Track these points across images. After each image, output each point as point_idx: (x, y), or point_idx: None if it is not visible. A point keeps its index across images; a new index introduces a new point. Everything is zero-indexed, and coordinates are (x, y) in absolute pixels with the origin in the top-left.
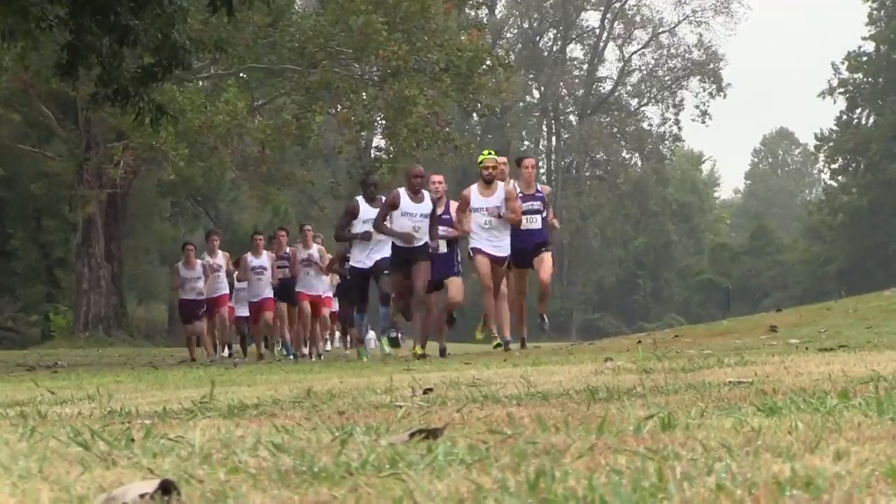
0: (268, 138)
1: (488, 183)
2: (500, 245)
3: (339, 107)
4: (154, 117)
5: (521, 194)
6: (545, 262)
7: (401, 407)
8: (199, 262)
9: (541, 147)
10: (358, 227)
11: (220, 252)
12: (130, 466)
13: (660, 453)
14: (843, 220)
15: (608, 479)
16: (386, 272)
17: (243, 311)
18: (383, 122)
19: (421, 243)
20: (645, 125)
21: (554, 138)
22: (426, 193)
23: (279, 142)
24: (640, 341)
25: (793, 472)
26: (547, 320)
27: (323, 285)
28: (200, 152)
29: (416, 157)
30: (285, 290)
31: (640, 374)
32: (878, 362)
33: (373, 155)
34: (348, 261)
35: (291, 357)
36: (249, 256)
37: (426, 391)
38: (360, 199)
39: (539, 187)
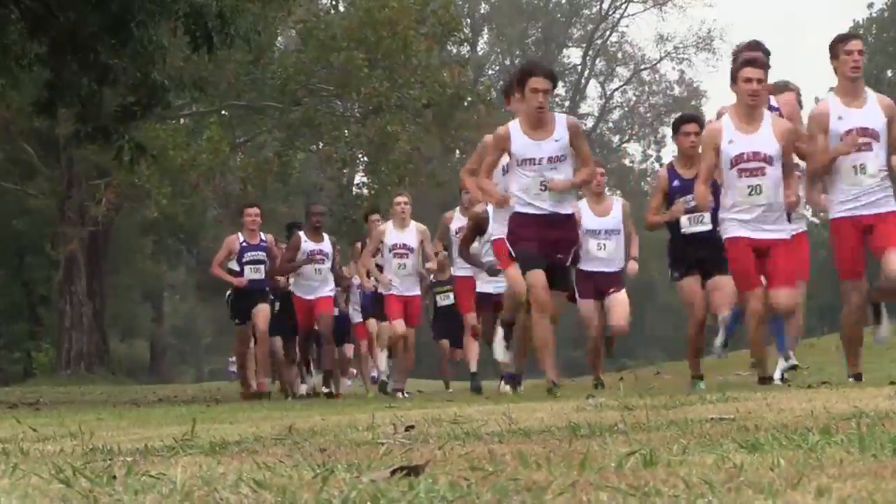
0: (249, 176)
1: None
2: None
3: (321, 144)
4: (133, 156)
5: None
6: None
7: (382, 444)
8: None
9: None
10: None
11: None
12: None
13: (642, 490)
14: (826, 257)
15: None
16: None
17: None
18: (365, 158)
19: None
20: (626, 162)
21: None
22: None
23: (261, 179)
24: (622, 378)
25: None
26: None
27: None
28: (183, 190)
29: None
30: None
31: (622, 410)
32: (860, 399)
33: (354, 192)
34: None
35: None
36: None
37: (408, 428)
38: None
39: None
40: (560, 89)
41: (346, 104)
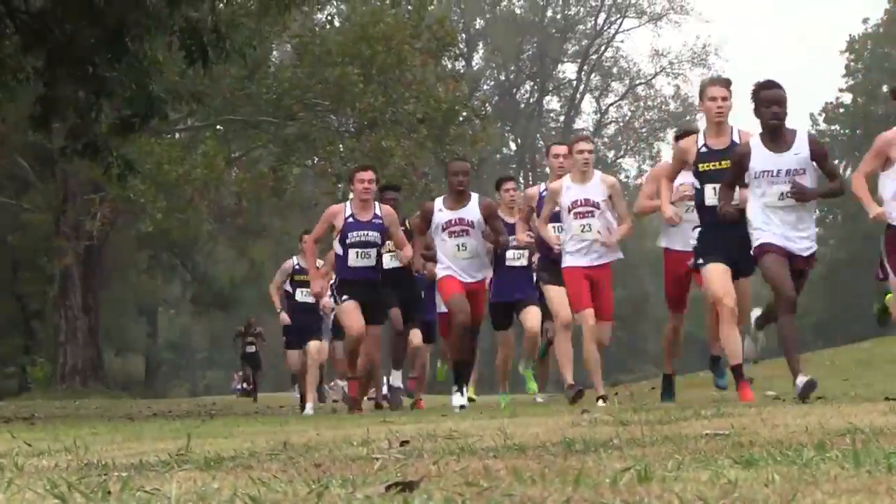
0: (244, 190)
1: None
2: None
3: (316, 159)
4: (122, 173)
5: None
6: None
7: (377, 459)
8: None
9: None
10: None
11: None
12: None
13: None
14: (822, 272)
15: None
16: None
17: None
18: None
19: None
20: (622, 177)
21: None
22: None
23: (256, 194)
24: (617, 393)
25: None
26: None
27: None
28: (178, 204)
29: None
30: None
31: (616, 426)
32: (854, 414)
33: None
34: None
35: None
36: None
37: (403, 443)
38: None
39: None
40: (555, 104)
41: (342, 119)
